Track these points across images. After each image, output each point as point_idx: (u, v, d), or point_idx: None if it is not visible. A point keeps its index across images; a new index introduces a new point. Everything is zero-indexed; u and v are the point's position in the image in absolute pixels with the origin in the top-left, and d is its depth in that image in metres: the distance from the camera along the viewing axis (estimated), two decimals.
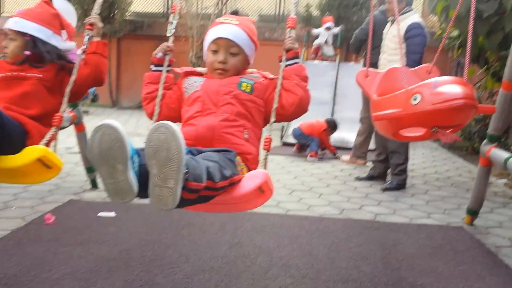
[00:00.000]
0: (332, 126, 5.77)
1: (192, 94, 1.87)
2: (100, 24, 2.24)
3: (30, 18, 2.21)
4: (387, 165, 4.46)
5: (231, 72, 1.89)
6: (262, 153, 1.83)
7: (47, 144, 2.00)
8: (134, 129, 7.30)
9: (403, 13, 4.23)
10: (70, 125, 3.41)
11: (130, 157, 1.29)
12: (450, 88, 2.19)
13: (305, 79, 1.90)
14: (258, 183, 1.60)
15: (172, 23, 2.05)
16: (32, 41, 2.19)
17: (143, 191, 1.34)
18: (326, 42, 8.48)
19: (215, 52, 1.89)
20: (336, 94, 7.43)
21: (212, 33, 1.91)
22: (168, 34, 2.06)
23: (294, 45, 1.92)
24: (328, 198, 3.83)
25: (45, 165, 1.85)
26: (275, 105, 1.84)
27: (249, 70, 1.98)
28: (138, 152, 1.37)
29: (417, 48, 4.14)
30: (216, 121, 1.77)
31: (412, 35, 4.16)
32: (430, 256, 2.69)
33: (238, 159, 1.73)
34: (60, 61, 2.22)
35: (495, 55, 4.98)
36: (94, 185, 3.69)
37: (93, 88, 9.75)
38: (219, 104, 1.81)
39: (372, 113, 2.80)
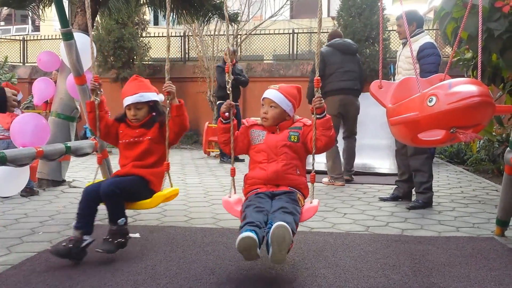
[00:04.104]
0: None
1: (258, 145, 2.63)
2: (174, 89, 2.77)
3: (146, 90, 2.88)
4: (411, 184, 4.40)
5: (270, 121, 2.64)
6: (310, 186, 2.61)
7: (161, 182, 2.83)
8: None
9: (414, 35, 4.31)
10: (92, 152, 3.51)
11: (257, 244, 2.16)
12: (465, 87, 2.20)
13: (330, 128, 2.53)
14: (313, 214, 2.54)
15: (228, 82, 2.62)
16: (154, 105, 2.90)
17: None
18: None
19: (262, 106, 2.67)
20: None
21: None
22: (227, 92, 2.67)
23: (322, 104, 2.49)
24: (353, 217, 3.78)
25: (167, 199, 2.90)
26: (314, 150, 2.54)
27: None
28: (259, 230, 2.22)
29: (431, 67, 4.15)
30: (279, 167, 2.55)
31: (425, 54, 4.20)
32: (461, 264, 2.61)
33: (298, 195, 2.53)
34: (161, 118, 2.85)
35: (510, 72, 4.95)
36: None
37: None
38: (278, 154, 2.56)
39: (388, 119, 2.81)
